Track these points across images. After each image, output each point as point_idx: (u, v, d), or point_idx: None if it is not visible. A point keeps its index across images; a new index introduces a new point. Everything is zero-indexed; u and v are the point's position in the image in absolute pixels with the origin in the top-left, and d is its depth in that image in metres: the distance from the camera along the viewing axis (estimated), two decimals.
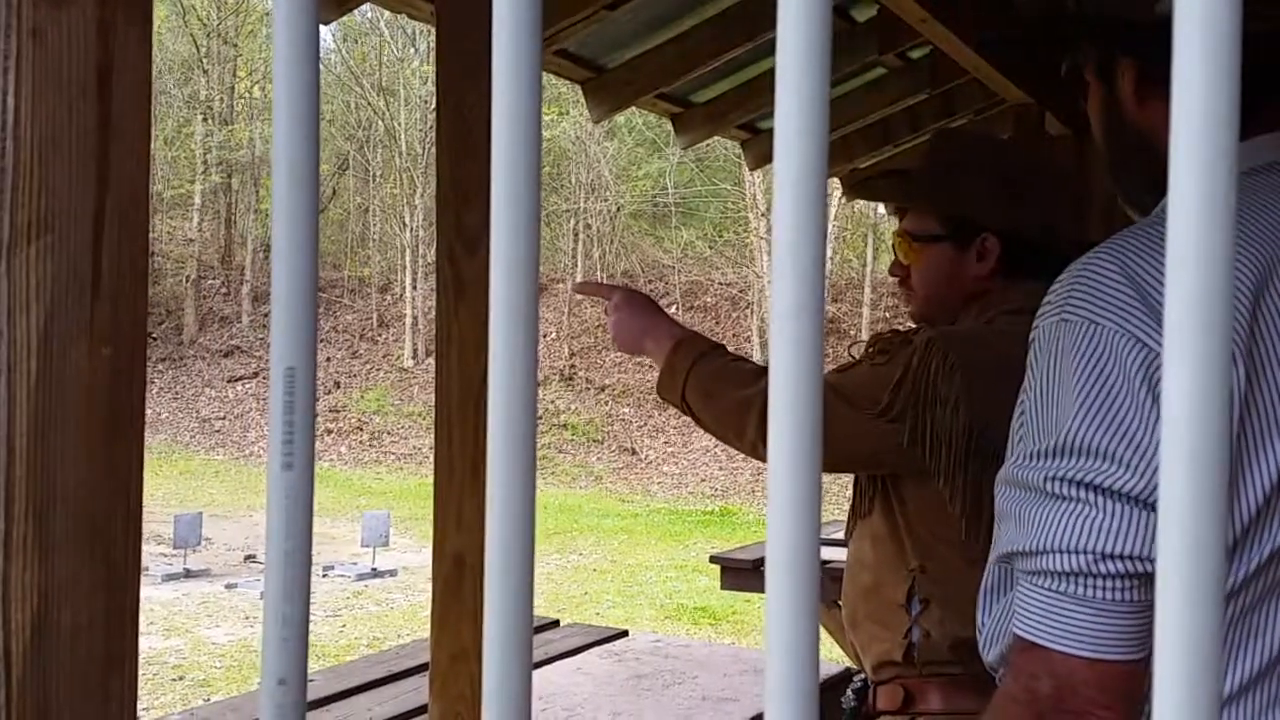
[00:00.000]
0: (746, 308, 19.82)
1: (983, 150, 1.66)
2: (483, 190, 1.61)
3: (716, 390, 1.53)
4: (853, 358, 1.58)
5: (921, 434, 1.44)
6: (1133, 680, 0.84)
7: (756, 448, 1.50)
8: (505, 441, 0.36)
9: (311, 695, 2.71)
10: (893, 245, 1.68)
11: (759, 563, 4.10)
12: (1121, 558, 0.81)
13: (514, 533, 0.36)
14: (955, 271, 1.59)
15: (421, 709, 2.36)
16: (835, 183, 4.31)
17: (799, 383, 0.32)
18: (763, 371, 1.52)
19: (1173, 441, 0.29)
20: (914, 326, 1.56)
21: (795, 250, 0.32)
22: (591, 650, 3.02)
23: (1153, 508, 0.81)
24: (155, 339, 20.74)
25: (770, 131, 3.68)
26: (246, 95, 23.22)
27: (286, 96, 0.39)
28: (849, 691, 1.65)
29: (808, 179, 0.33)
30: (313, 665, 6.13)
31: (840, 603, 1.70)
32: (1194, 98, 0.29)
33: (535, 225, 0.37)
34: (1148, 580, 0.82)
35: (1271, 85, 0.92)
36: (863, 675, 1.66)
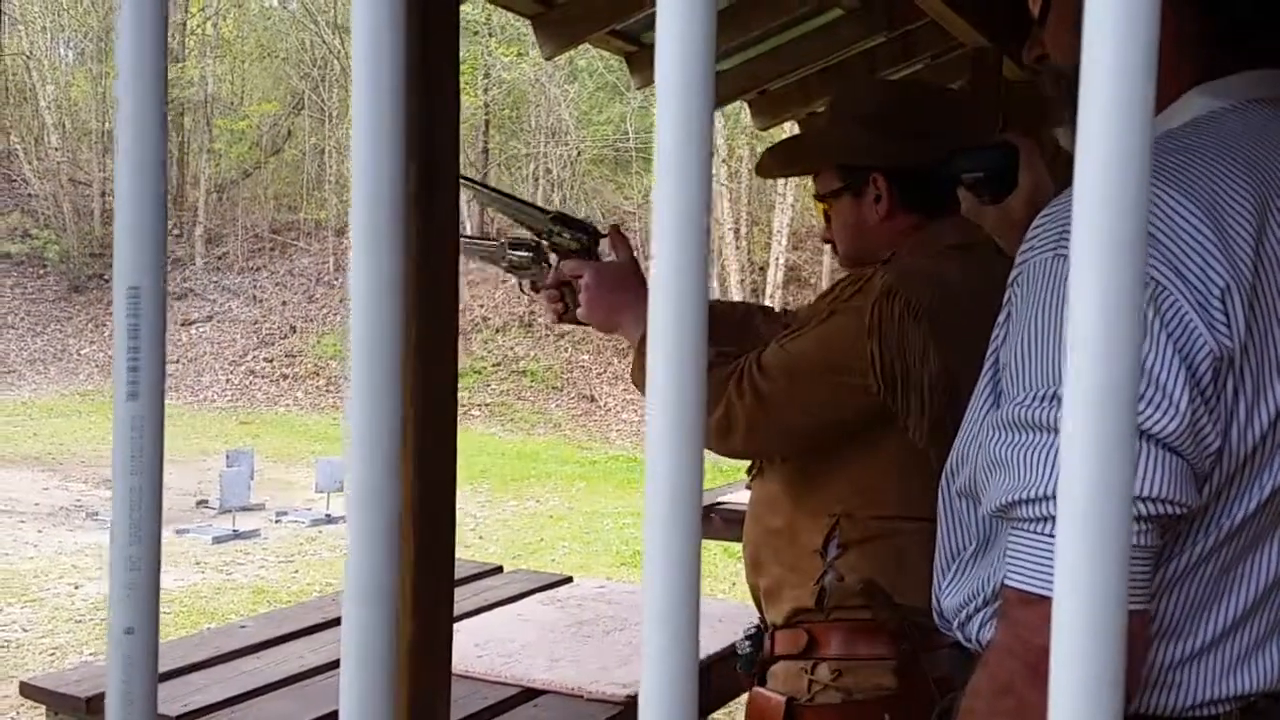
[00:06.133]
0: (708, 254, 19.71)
1: (864, 95, 1.67)
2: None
3: None
4: (798, 314, 1.56)
5: (893, 383, 1.42)
6: (1140, 632, 0.83)
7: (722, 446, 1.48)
8: (368, 393, 0.33)
9: (244, 641, 2.70)
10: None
11: (711, 508, 4.11)
12: (1145, 500, 0.79)
13: (377, 489, 0.32)
14: (861, 219, 1.59)
15: None
16: (791, 128, 4.26)
17: (680, 337, 0.29)
18: (723, 363, 1.49)
19: (1080, 370, 0.26)
20: (865, 273, 1.52)
21: (679, 186, 0.29)
22: (534, 596, 3.01)
23: (1173, 450, 0.80)
24: (107, 281, 20.40)
25: (725, 74, 3.63)
26: (198, 31, 22.70)
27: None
28: (744, 638, 1.64)
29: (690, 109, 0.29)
30: (264, 610, 6.10)
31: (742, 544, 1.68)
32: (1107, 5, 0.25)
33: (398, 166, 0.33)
34: (1164, 524, 0.82)
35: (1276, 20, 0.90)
36: (757, 621, 1.65)
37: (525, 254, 1.70)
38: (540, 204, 1.91)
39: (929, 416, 1.42)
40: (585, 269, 1.61)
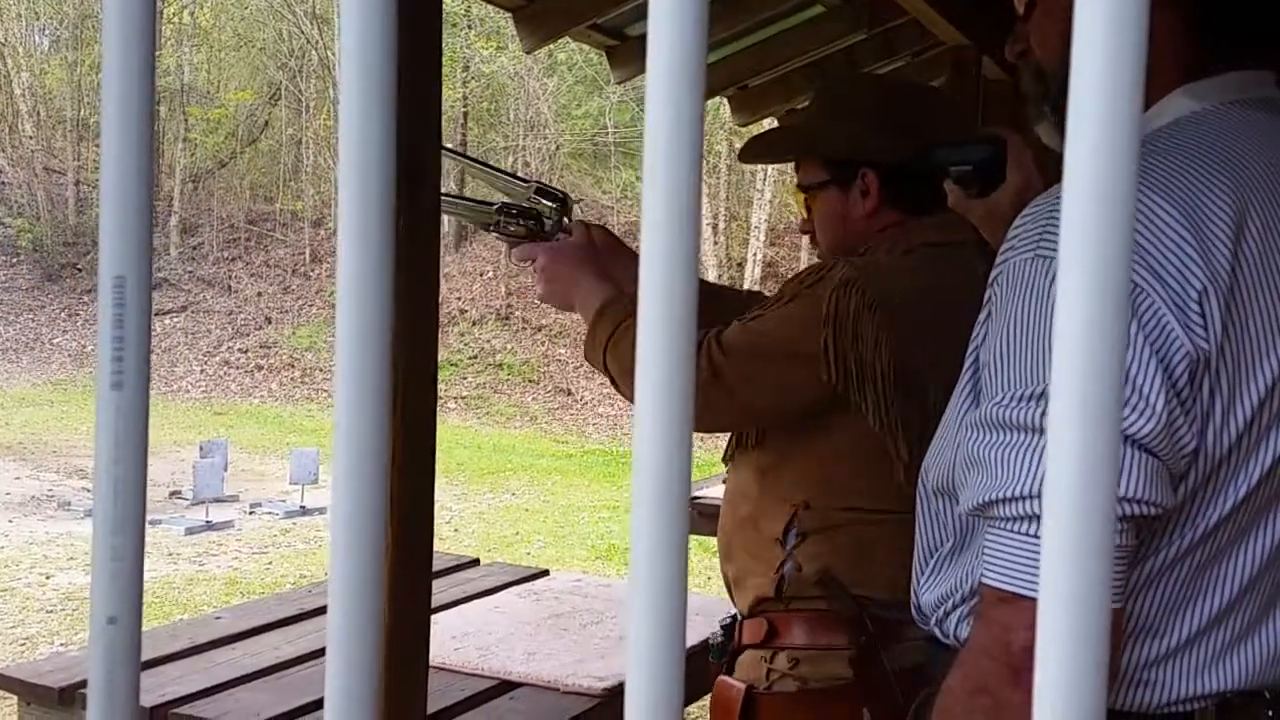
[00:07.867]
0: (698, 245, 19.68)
1: (854, 89, 1.68)
2: None
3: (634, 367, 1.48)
4: (767, 298, 1.57)
5: (847, 373, 1.43)
6: (1115, 631, 0.83)
7: None
8: (356, 388, 0.33)
9: (219, 633, 2.69)
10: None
11: (690, 503, 4.10)
12: (1121, 500, 0.80)
13: (364, 481, 0.32)
14: (845, 214, 1.60)
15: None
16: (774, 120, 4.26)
17: (670, 326, 0.29)
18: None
19: (1064, 367, 0.26)
20: (829, 262, 1.54)
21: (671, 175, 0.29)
22: (510, 589, 3.01)
23: (1149, 451, 0.80)
24: (81, 270, 20.24)
25: (707, 69, 3.63)
26: (175, 20, 22.50)
27: None
28: (718, 627, 1.66)
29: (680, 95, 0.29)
30: (237, 601, 6.08)
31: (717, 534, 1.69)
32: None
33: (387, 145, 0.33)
34: (1139, 524, 0.82)
35: (1272, 23, 0.90)
36: (733, 611, 1.66)
37: (521, 221, 1.70)
38: (521, 175, 1.90)
39: (884, 407, 1.44)
40: (537, 252, 1.62)
